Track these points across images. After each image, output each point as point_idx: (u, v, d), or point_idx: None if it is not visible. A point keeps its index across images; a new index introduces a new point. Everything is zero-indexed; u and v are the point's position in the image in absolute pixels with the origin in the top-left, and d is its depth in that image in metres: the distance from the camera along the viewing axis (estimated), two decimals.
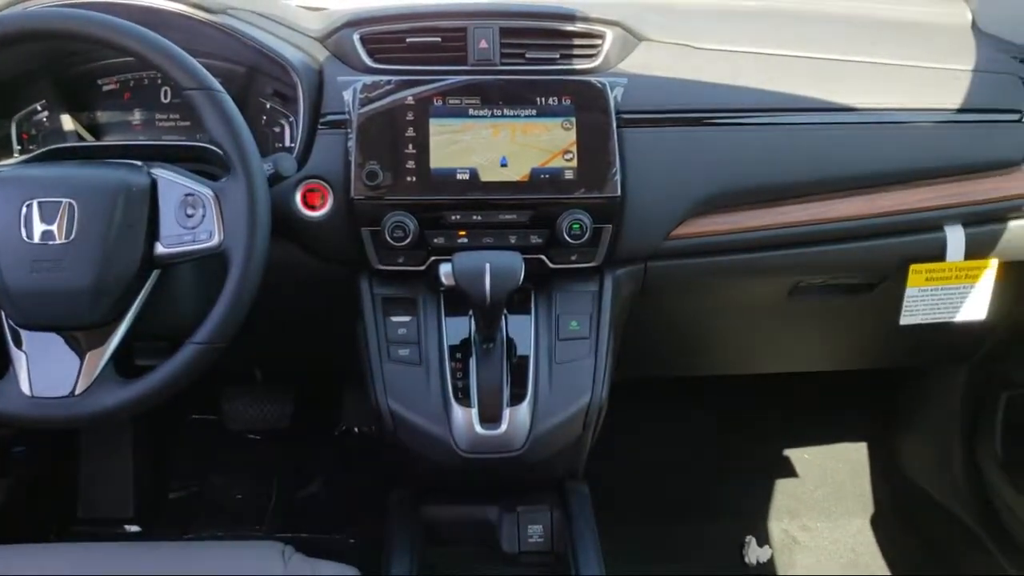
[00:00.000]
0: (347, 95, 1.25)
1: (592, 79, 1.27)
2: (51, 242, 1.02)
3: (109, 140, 1.38)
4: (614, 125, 1.24)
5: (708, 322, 1.58)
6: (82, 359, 1.06)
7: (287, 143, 1.33)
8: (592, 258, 1.26)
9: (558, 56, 1.30)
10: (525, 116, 1.23)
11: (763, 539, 1.97)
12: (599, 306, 1.29)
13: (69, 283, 1.02)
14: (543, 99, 1.24)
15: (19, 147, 1.35)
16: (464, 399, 1.22)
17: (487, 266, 1.11)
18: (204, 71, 1.07)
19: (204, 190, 1.06)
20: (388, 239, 1.20)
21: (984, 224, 1.36)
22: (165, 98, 1.39)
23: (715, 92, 1.31)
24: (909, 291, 1.38)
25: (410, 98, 1.23)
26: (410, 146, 1.21)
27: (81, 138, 1.36)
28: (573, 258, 1.25)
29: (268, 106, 1.34)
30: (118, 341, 1.07)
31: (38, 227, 1.02)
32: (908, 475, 2.02)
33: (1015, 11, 1.49)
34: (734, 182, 1.30)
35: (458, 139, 1.22)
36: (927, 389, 1.94)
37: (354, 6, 1.37)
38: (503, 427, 1.21)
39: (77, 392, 1.05)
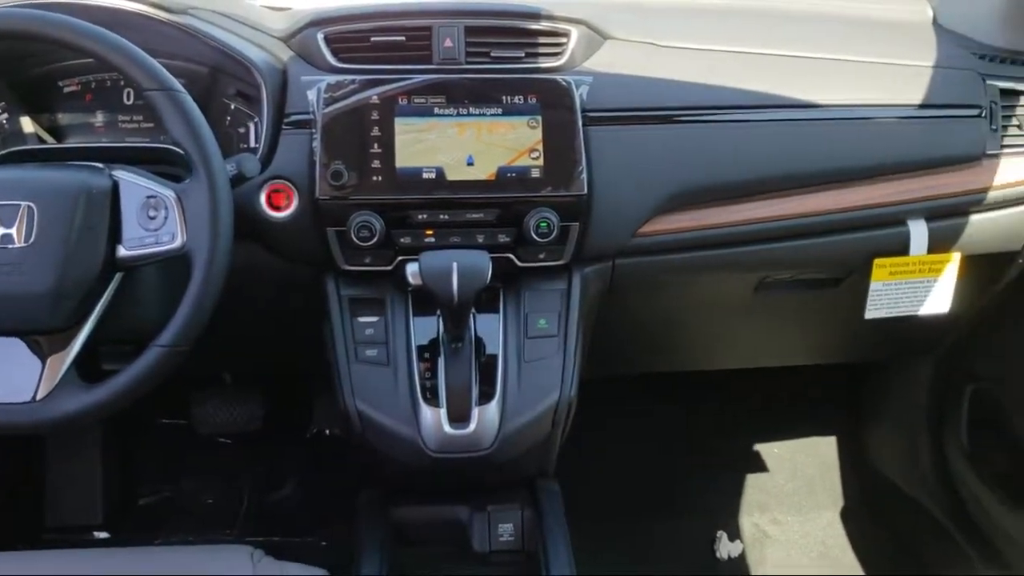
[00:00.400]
0: (311, 95, 1.24)
1: (557, 77, 1.27)
2: (10, 246, 1.00)
3: (71, 142, 1.36)
4: (580, 123, 1.24)
5: (676, 319, 1.59)
6: (44, 364, 1.04)
7: (252, 144, 1.32)
8: (560, 256, 1.26)
9: (523, 55, 1.29)
10: (491, 115, 1.23)
11: (734, 534, 1.98)
12: (567, 304, 1.29)
13: (29, 287, 1.01)
14: (509, 98, 1.24)
15: None
16: (432, 399, 1.21)
17: (454, 265, 1.11)
18: (164, 71, 1.06)
19: (166, 192, 1.05)
20: (354, 239, 1.19)
21: (947, 218, 1.37)
22: (128, 99, 1.37)
23: (680, 90, 1.31)
24: (873, 285, 1.40)
25: (375, 97, 1.22)
26: (375, 145, 1.20)
27: (42, 140, 1.34)
28: (541, 256, 1.25)
29: (232, 107, 1.33)
30: (80, 345, 1.05)
31: None
32: (877, 468, 2.04)
33: (975, 8, 1.51)
34: (700, 179, 1.30)
35: (423, 138, 1.21)
36: (894, 383, 1.96)
37: (318, 5, 1.36)
38: (472, 426, 1.20)
39: (39, 397, 1.03)
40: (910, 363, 1.87)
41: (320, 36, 1.29)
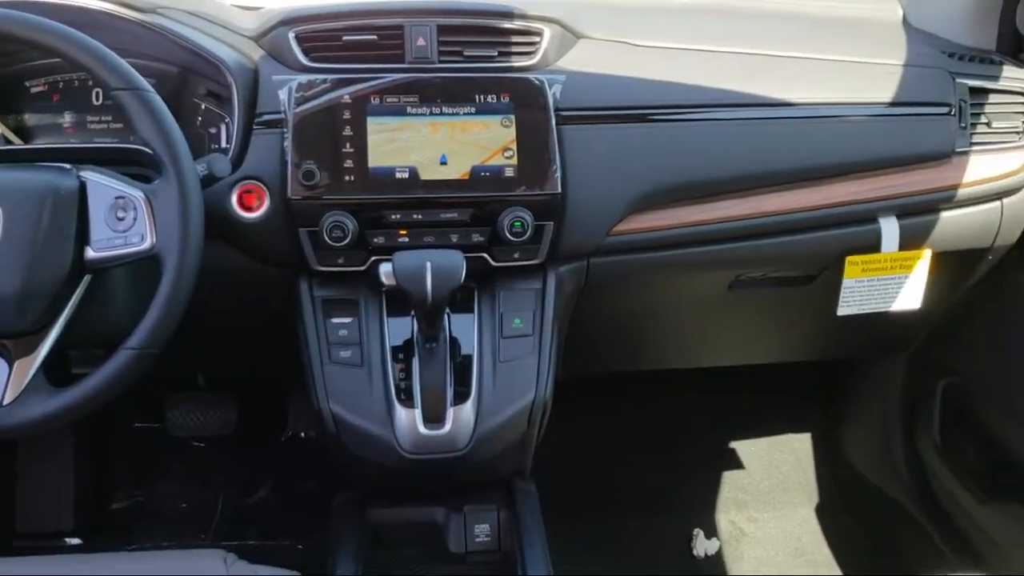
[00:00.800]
0: (282, 94, 1.23)
1: (531, 76, 1.27)
2: None
3: (38, 143, 1.34)
4: (553, 122, 1.24)
5: (651, 317, 1.59)
6: (11, 368, 1.03)
7: (223, 144, 1.31)
8: (534, 255, 1.26)
9: (496, 54, 1.29)
10: (464, 114, 1.23)
11: (711, 531, 1.99)
12: (542, 303, 1.29)
13: None
14: (482, 97, 1.23)
15: None
16: (407, 400, 1.21)
17: (428, 265, 1.10)
18: (132, 71, 1.04)
19: (135, 192, 1.04)
20: (327, 239, 1.18)
21: (917, 215, 1.39)
22: (96, 100, 1.36)
23: (654, 89, 1.32)
24: (846, 282, 1.40)
25: (347, 96, 1.21)
26: (347, 145, 1.20)
27: (8, 141, 1.32)
28: (515, 256, 1.25)
29: (203, 107, 1.32)
30: (48, 349, 1.04)
31: None
32: (851, 464, 2.06)
33: (944, 7, 1.52)
34: (674, 178, 1.30)
35: (396, 137, 1.21)
36: (868, 379, 1.98)
37: (289, 4, 1.35)
38: (447, 427, 1.20)
39: (5, 402, 1.02)
40: (883, 360, 1.89)
41: (291, 35, 1.28)
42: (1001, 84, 1.40)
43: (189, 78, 1.31)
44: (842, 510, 2.05)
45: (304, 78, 1.24)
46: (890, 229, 1.37)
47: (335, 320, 1.24)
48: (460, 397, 1.22)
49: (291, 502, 1.98)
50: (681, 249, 1.34)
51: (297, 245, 1.21)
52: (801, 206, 1.34)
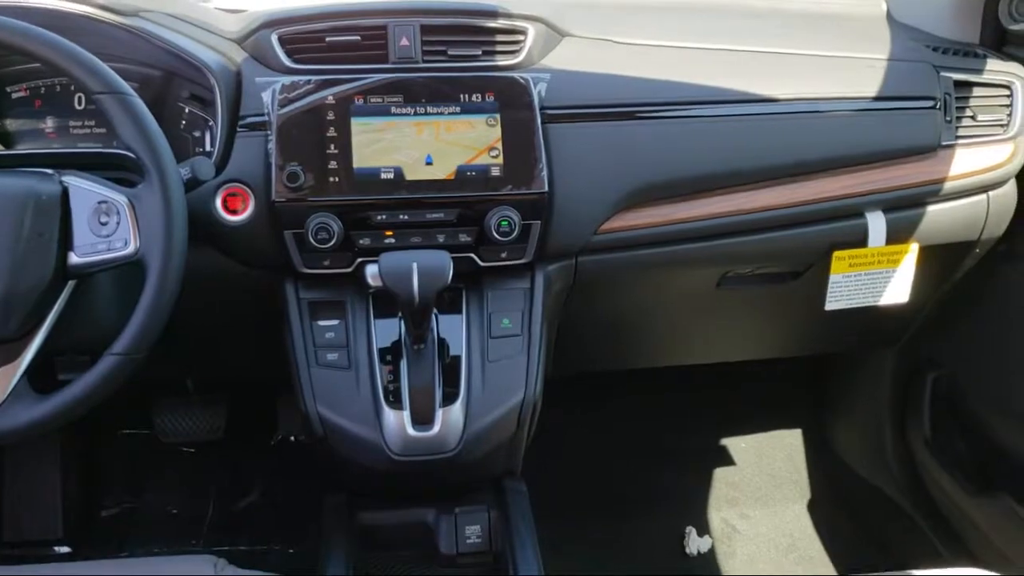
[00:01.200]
0: (266, 96, 1.22)
1: (515, 75, 1.26)
2: None
3: (20, 149, 1.33)
4: (539, 121, 1.24)
5: (640, 315, 1.59)
6: None
7: (207, 147, 1.30)
8: (522, 255, 1.25)
9: (480, 53, 1.29)
10: (449, 114, 1.22)
11: (703, 529, 1.98)
12: (531, 303, 1.29)
13: None
14: (467, 96, 1.23)
15: None
16: (395, 402, 1.20)
17: (414, 266, 1.10)
18: (114, 74, 1.04)
19: (118, 197, 1.03)
20: (312, 241, 1.18)
21: (904, 209, 1.39)
22: (79, 104, 1.35)
23: (639, 86, 1.32)
24: (833, 277, 1.41)
25: (330, 97, 1.21)
26: (332, 146, 1.19)
27: None
28: (503, 255, 1.25)
29: (186, 110, 1.31)
30: (32, 355, 1.03)
31: None
32: (842, 459, 2.06)
33: (927, 2, 1.53)
34: (660, 175, 1.30)
35: (381, 138, 1.20)
36: (857, 374, 1.98)
37: (271, 7, 1.34)
38: (436, 428, 1.20)
39: None
40: (873, 354, 1.89)
41: (274, 37, 1.28)
42: (985, 77, 1.40)
43: (172, 82, 1.30)
44: (834, 505, 2.05)
45: (287, 80, 1.23)
46: (877, 223, 1.37)
47: (322, 322, 1.24)
48: (449, 398, 1.22)
49: (282, 506, 1.97)
50: (669, 246, 1.34)
51: (282, 248, 1.21)
52: (788, 202, 1.35)
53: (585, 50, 1.35)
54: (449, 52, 1.28)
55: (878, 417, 1.92)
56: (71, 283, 1.05)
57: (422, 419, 1.20)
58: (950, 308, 1.64)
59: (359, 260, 1.22)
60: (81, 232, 1.03)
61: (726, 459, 2.12)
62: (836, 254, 1.39)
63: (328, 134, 1.19)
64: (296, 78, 1.23)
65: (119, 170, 1.13)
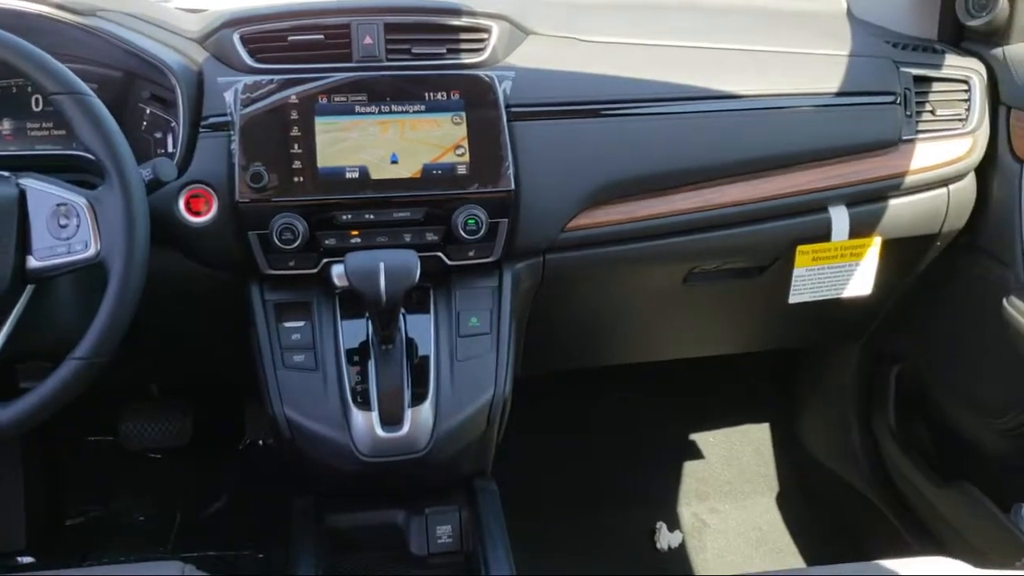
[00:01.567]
0: (228, 96, 1.21)
1: (480, 73, 1.26)
2: None
3: None
4: (504, 118, 1.24)
5: (608, 313, 1.60)
6: None
7: (169, 149, 1.28)
8: (490, 253, 1.25)
9: (445, 51, 1.29)
10: (414, 112, 1.22)
11: (673, 524, 1.99)
12: (499, 301, 1.29)
13: None
14: (431, 94, 1.23)
15: None
16: (363, 403, 1.20)
17: (381, 265, 1.09)
18: (71, 75, 1.02)
19: (77, 199, 1.02)
20: (277, 242, 1.17)
21: (866, 203, 1.40)
22: (36, 106, 1.32)
23: (604, 83, 1.32)
24: (797, 271, 1.42)
25: (294, 97, 1.20)
26: (296, 146, 1.18)
27: None
28: (470, 254, 1.25)
29: (147, 111, 1.29)
30: None
31: None
32: (809, 452, 2.08)
33: None
34: (625, 172, 1.31)
35: (345, 137, 1.19)
36: (823, 368, 2.00)
37: (233, 6, 1.33)
38: (405, 428, 1.19)
39: None
40: (838, 348, 1.91)
41: (236, 37, 1.26)
42: (944, 72, 1.42)
43: (132, 82, 1.28)
44: (802, 498, 2.07)
45: (250, 79, 1.22)
46: (840, 218, 1.39)
47: (287, 324, 1.23)
48: (418, 398, 1.21)
49: (250, 511, 1.95)
50: (635, 243, 1.35)
51: (247, 249, 1.19)
52: (752, 197, 1.36)
53: (550, 48, 1.35)
54: (413, 50, 1.28)
55: (844, 410, 1.94)
56: (30, 287, 1.04)
57: (391, 420, 1.19)
58: (913, 301, 1.66)
59: (325, 260, 1.21)
60: (40, 235, 1.02)
61: (695, 454, 2.13)
62: (800, 248, 1.41)
63: (292, 134, 1.18)
64: (259, 78, 1.22)
65: (79, 172, 1.12)
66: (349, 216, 1.19)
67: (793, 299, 1.44)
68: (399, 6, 1.30)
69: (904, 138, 1.39)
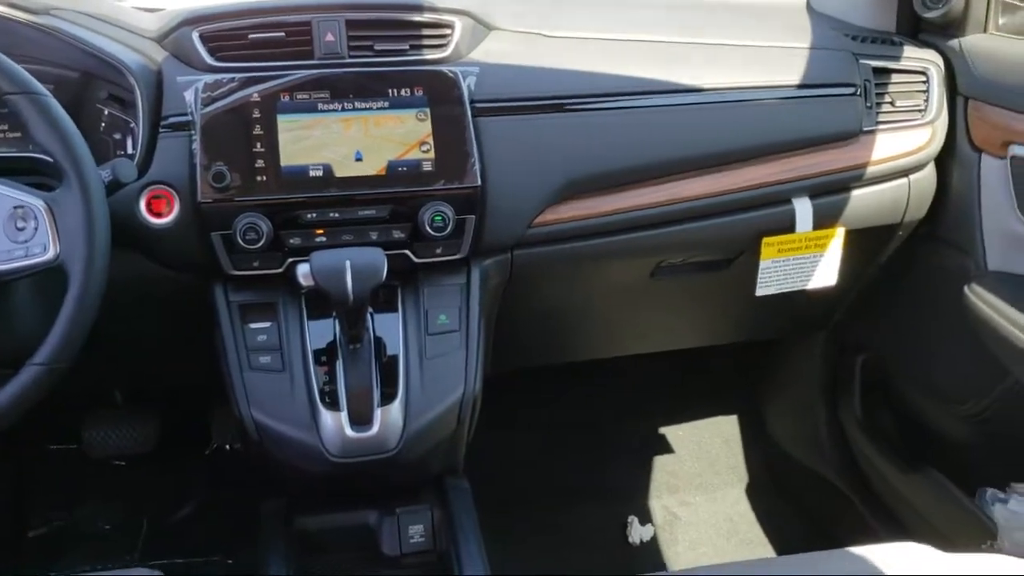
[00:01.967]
0: (188, 95, 1.20)
1: (444, 69, 1.26)
2: None
3: None
4: (469, 114, 1.23)
5: (577, 308, 1.60)
6: None
7: (129, 150, 1.26)
8: (457, 250, 1.25)
9: (407, 47, 1.28)
10: (377, 109, 1.21)
11: (645, 518, 2.00)
12: (467, 298, 1.28)
13: None
14: (395, 91, 1.22)
15: None
16: (332, 403, 1.19)
17: (347, 263, 1.08)
18: (26, 75, 1.00)
19: (35, 201, 1.00)
20: (240, 242, 1.15)
21: (829, 195, 1.42)
22: None
23: (568, 78, 1.32)
24: (763, 263, 1.43)
25: (255, 95, 1.19)
26: (258, 144, 1.17)
27: None
28: (438, 251, 1.24)
29: (105, 112, 1.27)
30: None
31: None
32: (778, 442, 2.10)
33: None
34: (592, 167, 1.31)
35: (308, 135, 1.18)
36: (790, 359, 2.02)
37: (191, 5, 1.31)
38: (375, 428, 1.18)
39: None
40: (804, 339, 1.93)
41: (195, 35, 1.25)
42: (903, 64, 1.43)
43: (89, 82, 1.26)
44: (771, 488, 2.09)
45: (210, 78, 1.21)
46: (803, 209, 1.40)
47: (253, 325, 1.21)
48: (387, 397, 1.20)
49: (219, 517, 1.93)
50: (603, 238, 1.35)
51: (210, 250, 1.18)
52: (717, 190, 1.36)
53: (513, 43, 1.35)
54: (376, 47, 1.27)
55: (811, 400, 1.95)
56: None
57: (360, 419, 1.18)
58: (876, 291, 1.68)
59: (290, 260, 1.20)
60: None
61: (665, 448, 2.14)
62: (765, 240, 1.42)
63: (254, 132, 1.17)
64: (219, 76, 1.21)
65: (36, 175, 1.09)
66: (314, 215, 1.18)
67: (760, 291, 1.45)
68: (361, 3, 1.29)
69: (865, 129, 1.40)
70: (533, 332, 1.62)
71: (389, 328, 1.25)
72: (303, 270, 1.17)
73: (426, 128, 1.21)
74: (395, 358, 1.23)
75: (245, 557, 1.81)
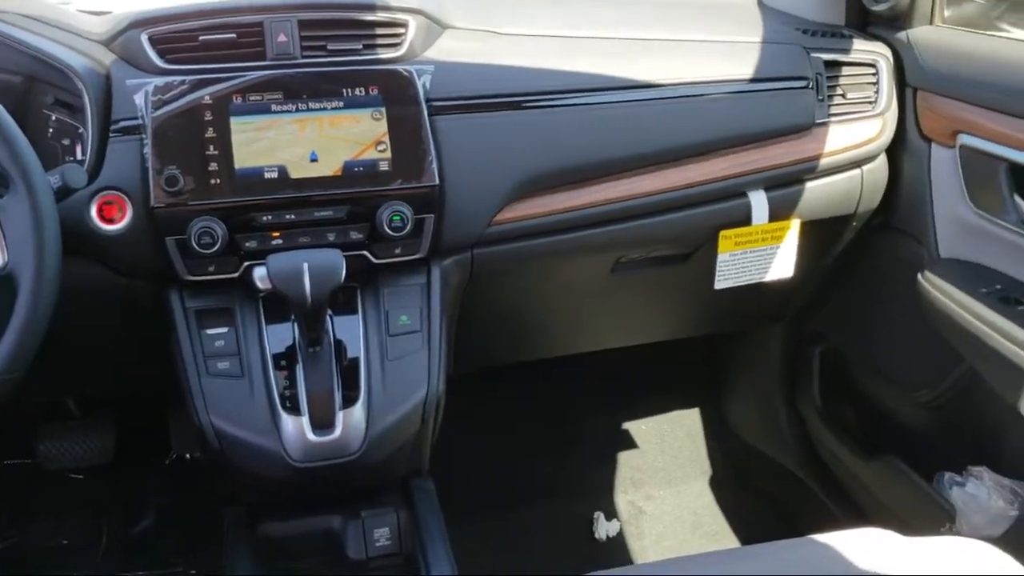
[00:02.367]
0: (138, 99, 1.17)
1: (399, 68, 1.25)
2: None
3: None
4: (425, 113, 1.23)
5: (539, 306, 1.60)
6: None
7: (78, 156, 1.24)
8: (417, 250, 1.24)
9: (361, 47, 1.27)
10: (332, 109, 1.20)
11: (611, 513, 2.01)
12: (428, 298, 1.27)
13: None
14: (349, 90, 1.21)
15: None
16: (293, 408, 1.17)
17: (305, 265, 1.07)
18: None
19: None
20: (195, 247, 1.14)
21: (784, 187, 1.43)
22: None
23: (523, 76, 1.32)
24: (720, 257, 1.44)
25: (207, 97, 1.17)
26: (211, 147, 1.15)
27: None
28: (397, 251, 1.23)
29: (52, 117, 1.24)
30: None
31: None
32: (739, 435, 2.12)
33: None
34: (549, 164, 1.31)
35: (262, 136, 1.17)
36: (749, 351, 2.04)
37: (139, 7, 1.29)
38: (337, 431, 1.17)
39: None
40: (763, 331, 1.95)
41: (144, 37, 1.23)
42: (852, 57, 1.45)
43: (34, 87, 1.23)
44: (734, 480, 2.10)
45: (161, 81, 1.19)
46: (759, 202, 1.41)
47: (210, 331, 1.19)
48: (349, 400, 1.19)
49: (180, 527, 1.90)
50: (562, 235, 1.35)
51: (165, 255, 1.16)
52: (674, 185, 1.37)
53: (468, 42, 1.35)
54: (329, 47, 1.25)
55: (770, 391, 1.97)
56: None
57: (322, 423, 1.17)
58: (832, 281, 1.70)
59: (246, 264, 1.18)
60: None
61: (629, 443, 2.15)
62: (723, 233, 1.43)
63: (207, 135, 1.15)
64: (170, 79, 1.19)
65: None
66: (269, 217, 1.17)
67: (719, 284, 1.46)
68: (313, 3, 1.28)
69: (817, 121, 1.42)
70: (495, 331, 1.61)
71: (349, 330, 1.23)
72: (260, 273, 1.16)
73: (382, 127, 1.20)
74: (356, 360, 1.22)
75: (208, 566, 1.79)
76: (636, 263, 1.51)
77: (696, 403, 2.21)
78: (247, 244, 1.17)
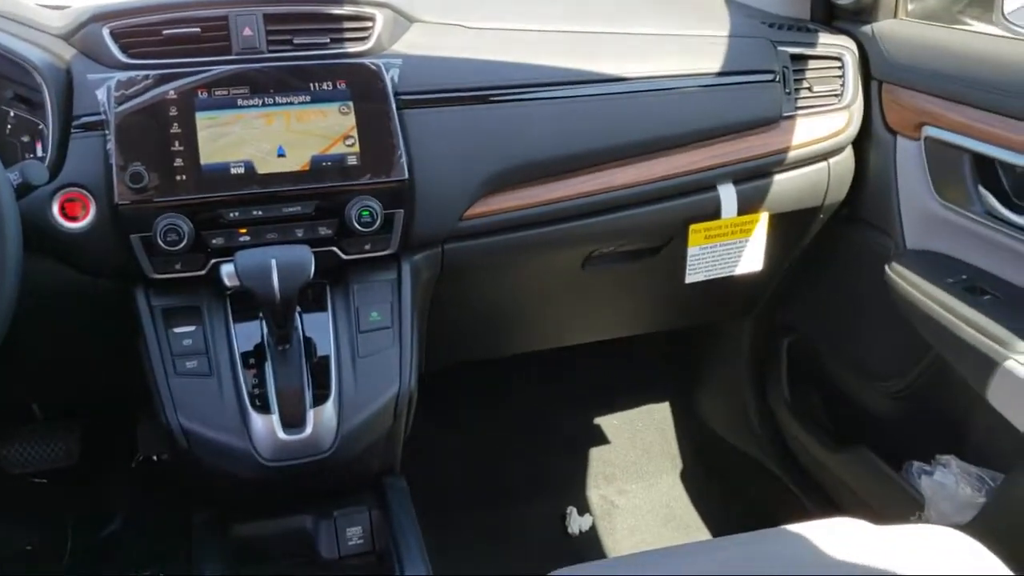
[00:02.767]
0: (100, 94, 1.15)
1: (366, 61, 1.24)
2: None
3: None
4: (394, 107, 1.22)
5: (509, 302, 1.59)
6: None
7: (39, 152, 1.21)
8: (386, 245, 1.23)
9: (328, 40, 1.25)
10: (299, 103, 1.18)
11: (583, 508, 2.01)
12: (399, 294, 1.27)
13: None
14: (316, 84, 1.19)
15: None
16: (263, 406, 1.16)
17: (273, 262, 1.06)
18: None
19: None
20: (161, 244, 1.12)
21: (752, 180, 1.44)
22: None
23: (492, 70, 1.31)
24: (691, 250, 1.45)
25: (171, 92, 1.15)
26: (176, 143, 1.13)
27: None
28: (367, 247, 1.22)
29: (12, 113, 1.21)
30: None
31: None
32: (710, 427, 2.13)
33: None
34: (519, 158, 1.31)
35: (228, 131, 1.15)
36: (718, 344, 2.05)
37: (100, 1, 1.26)
38: (308, 430, 1.16)
39: None
40: (732, 324, 1.96)
41: (106, 31, 1.20)
42: (819, 50, 1.46)
43: None
44: (705, 472, 2.12)
45: (123, 76, 1.16)
46: (728, 195, 1.42)
47: (177, 329, 1.18)
48: (320, 398, 1.18)
49: (148, 531, 1.87)
50: (533, 229, 1.35)
51: (130, 253, 1.14)
52: (644, 179, 1.37)
53: (435, 35, 1.34)
54: (295, 41, 1.24)
55: (740, 384, 1.99)
56: None
57: (292, 422, 1.15)
58: (801, 274, 1.71)
59: (213, 261, 1.16)
60: None
61: (600, 438, 2.15)
62: (692, 227, 1.43)
63: (171, 131, 1.13)
64: (133, 74, 1.17)
65: None
66: (236, 213, 1.15)
67: (690, 278, 1.47)
68: None
69: (784, 115, 1.43)
70: (467, 327, 1.61)
71: (319, 327, 1.22)
72: (227, 270, 1.14)
73: (350, 121, 1.19)
74: (326, 358, 1.21)
75: (177, 570, 1.76)
76: (607, 257, 1.51)
77: (666, 397, 2.22)
78: (214, 241, 1.15)
